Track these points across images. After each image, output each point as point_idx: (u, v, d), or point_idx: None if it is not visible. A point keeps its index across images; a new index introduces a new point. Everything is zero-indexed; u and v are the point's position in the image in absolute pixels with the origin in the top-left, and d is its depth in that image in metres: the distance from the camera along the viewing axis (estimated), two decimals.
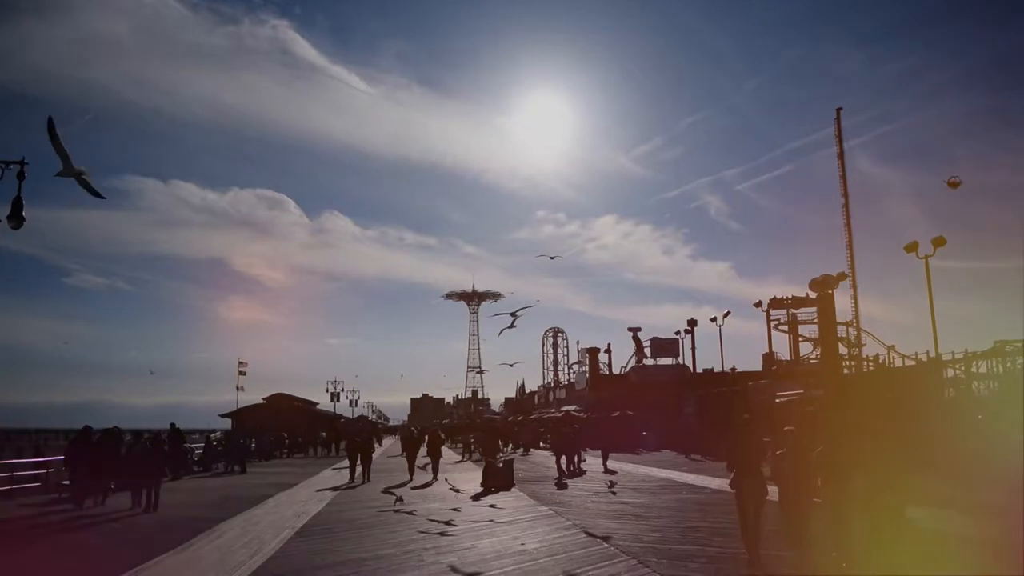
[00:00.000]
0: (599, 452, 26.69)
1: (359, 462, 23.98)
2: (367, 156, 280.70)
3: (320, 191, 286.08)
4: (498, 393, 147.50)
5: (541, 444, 43.00)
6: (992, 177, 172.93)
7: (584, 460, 24.80)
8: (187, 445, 29.39)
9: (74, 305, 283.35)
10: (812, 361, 64.10)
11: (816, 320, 65.02)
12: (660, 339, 56.41)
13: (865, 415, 16.19)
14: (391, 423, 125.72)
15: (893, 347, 52.50)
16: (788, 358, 65.18)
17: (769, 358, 63.73)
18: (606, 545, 10.32)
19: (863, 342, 63.27)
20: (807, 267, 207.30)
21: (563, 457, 24.02)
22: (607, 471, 24.04)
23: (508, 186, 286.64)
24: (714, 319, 42.19)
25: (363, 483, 22.71)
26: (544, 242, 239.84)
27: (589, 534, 11.45)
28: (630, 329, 55.89)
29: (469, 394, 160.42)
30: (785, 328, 67.12)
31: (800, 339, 66.87)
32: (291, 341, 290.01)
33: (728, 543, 10.34)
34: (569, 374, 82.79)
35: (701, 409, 35.63)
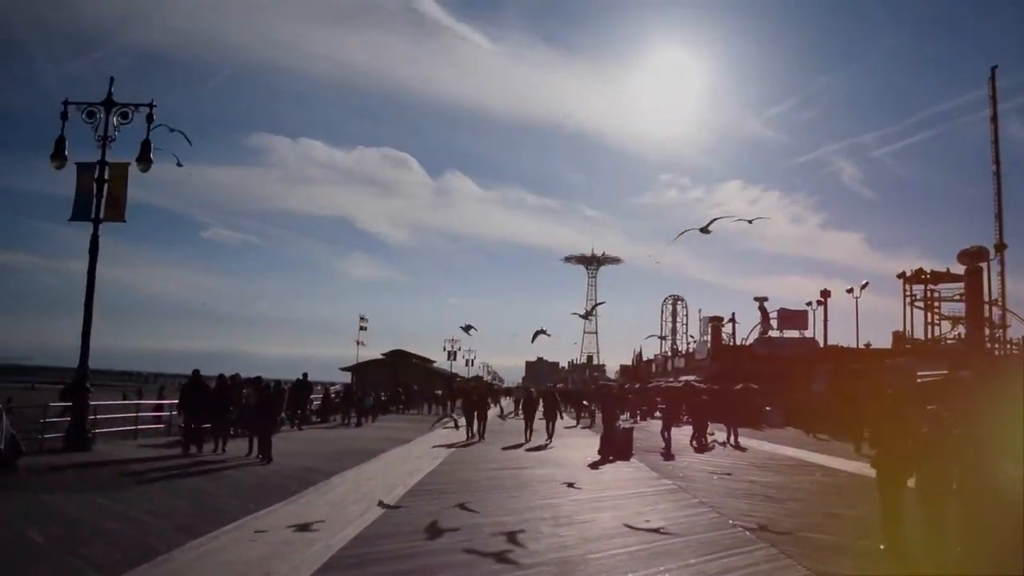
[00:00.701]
0: (722, 426, 25.41)
1: (475, 420, 24.21)
2: (489, 116, 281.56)
3: (443, 151, 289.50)
4: (613, 361, 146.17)
5: (657, 414, 41.95)
6: None
7: (713, 434, 23.64)
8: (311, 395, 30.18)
9: (208, 258, 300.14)
10: (949, 341, 59.77)
11: (957, 297, 61.01)
12: (788, 310, 53.70)
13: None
14: (506, 384, 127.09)
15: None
16: (922, 337, 60.92)
17: (901, 336, 59.72)
18: (740, 528, 9.39)
19: (1008, 323, 58.38)
20: (946, 241, 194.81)
21: (670, 429, 22.89)
22: (737, 447, 22.84)
23: (631, 148, 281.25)
24: (850, 290, 39.66)
25: (478, 441, 22.65)
26: (668, 207, 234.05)
27: (720, 513, 10.55)
28: (756, 299, 53.70)
29: (584, 359, 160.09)
30: (921, 305, 62.69)
31: (938, 317, 62.41)
32: (412, 299, 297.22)
33: (876, 534, 9.23)
34: (688, 343, 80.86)
35: (832, 386, 33.57)
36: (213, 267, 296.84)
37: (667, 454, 19.94)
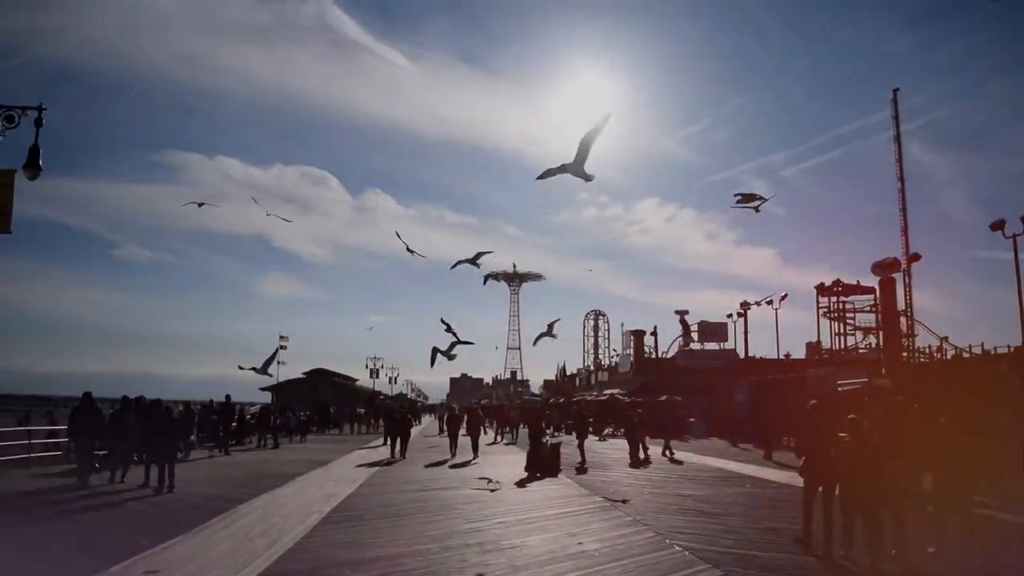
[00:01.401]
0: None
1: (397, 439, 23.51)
2: (409, 135, 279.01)
3: (362, 169, 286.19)
4: (537, 376, 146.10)
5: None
6: None
7: (648, 448, 23.28)
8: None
9: (121, 277, 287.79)
10: (861, 351, 61.66)
11: (868, 308, 63.17)
12: (708, 323, 54.41)
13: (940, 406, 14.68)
14: (429, 401, 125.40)
15: (946, 338, 49.94)
16: (833, 347, 62.58)
17: (814, 347, 61.18)
18: (679, 548, 8.83)
19: (916, 333, 60.59)
20: (855, 255, 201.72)
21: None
22: (672, 460, 22.52)
23: (550, 164, 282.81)
24: (770, 302, 40.19)
25: (400, 460, 21.81)
26: (587, 225, 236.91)
27: (656, 532, 9.99)
28: (677, 312, 54.22)
29: (508, 375, 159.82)
30: (834, 315, 64.59)
31: (850, 327, 64.37)
32: (332, 317, 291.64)
33: (820, 551, 8.81)
34: (612, 357, 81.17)
35: (754, 396, 33.87)
36: (126, 286, 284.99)
37: (583, 469, 19.42)
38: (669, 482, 16.73)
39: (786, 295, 40.84)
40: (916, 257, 24.47)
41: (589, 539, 9.45)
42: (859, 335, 64.19)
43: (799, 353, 58.84)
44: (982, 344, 34.43)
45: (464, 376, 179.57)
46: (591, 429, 42.60)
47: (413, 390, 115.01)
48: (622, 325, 68.06)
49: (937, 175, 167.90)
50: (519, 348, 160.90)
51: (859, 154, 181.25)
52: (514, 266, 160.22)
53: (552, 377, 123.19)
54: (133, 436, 15.03)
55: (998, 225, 21.43)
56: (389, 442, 23.90)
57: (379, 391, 65.83)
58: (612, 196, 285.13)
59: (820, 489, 9.04)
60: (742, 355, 48.69)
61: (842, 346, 63.48)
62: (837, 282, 59.78)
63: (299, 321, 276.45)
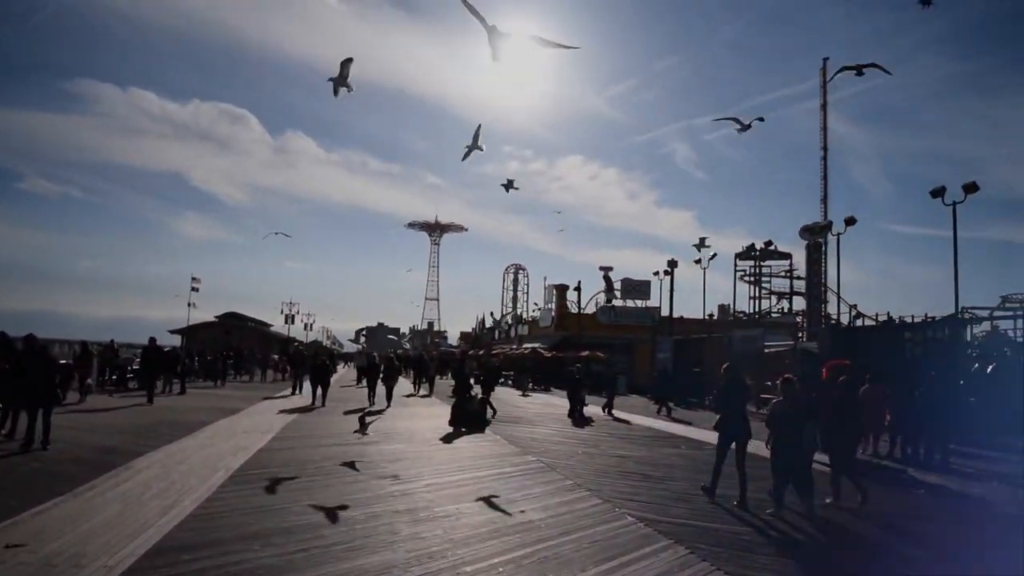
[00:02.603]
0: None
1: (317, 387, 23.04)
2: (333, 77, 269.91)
3: (284, 110, 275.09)
4: (455, 327, 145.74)
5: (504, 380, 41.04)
6: (957, 145, 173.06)
7: (587, 405, 22.71)
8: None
9: (27, 211, 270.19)
10: (774, 315, 63.04)
11: (782, 273, 64.64)
12: (632, 280, 54.36)
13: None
14: (344, 350, 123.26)
15: (855, 307, 51.23)
16: (748, 310, 63.74)
17: (727, 308, 62.12)
18: (631, 519, 8.00)
19: (826, 299, 62.16)
20: (769, 221, 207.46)
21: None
22: (614, 418, 22.03)
23: (475, 117, 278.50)
24: (698, 261, 40.07)
25: (318, 408, 20.75)
26: (508, 178, 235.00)
27: (601, 498, 9.17)
28: (601, 268, 53.90)
29: (425, 325, 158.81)
30: (750, 279, 65.75)
31: (765, 292, 65.65)
32: (248, 261, 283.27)
33: (790, 524, 8.16)
34: (533, 310, 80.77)
35: (678, 354, 33.75)
36: (31, 221, 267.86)
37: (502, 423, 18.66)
38: (602, 441, 16.04)
39: (715, 254, 40.83)
40: (853, 220, 24.41)
41: (531, 506, 8.54)
42: (773, 299, 65.75)
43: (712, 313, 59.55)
44: (887, 313, 35.27)
45: (380, 325, 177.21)
46: (511, 382, 42.17)
47: (328, 338, 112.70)
48: (544, 279, 67.56)
49: (853, 148, 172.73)
50: (437, 299, 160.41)
51: (781, 122, 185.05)
52: (436, 217, 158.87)
53: (469, 329, 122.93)
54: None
55: (938, 192, 21.37)
56: (309, 389, 23.21)
57: (294, 338, 63.79)
58: (536, 151, 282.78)
59: (733, 445, 9.44)
60: (670, 313, 48.75)
61: (756, 309, 64.80)
62: (751, 247, 60.60)
63: (215, 264, 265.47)
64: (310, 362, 26.57)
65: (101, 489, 8.42)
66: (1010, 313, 39.94)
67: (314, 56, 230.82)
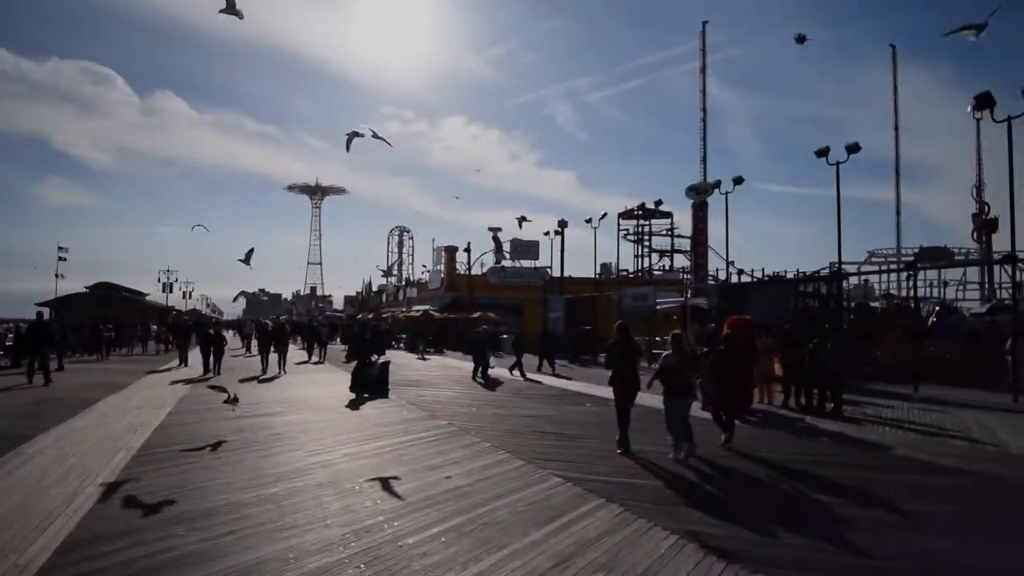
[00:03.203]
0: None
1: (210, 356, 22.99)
2: (204, 33, 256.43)
3: (152, 69, 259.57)
4: (339, 292, 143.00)
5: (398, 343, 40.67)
6: (827, 110, 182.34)
7: (493, 367, 22.76)
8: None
9: None
10: (656, 272, 65.22)
11: (663, 232, 66.85)
12: (521, 240, 54.60)
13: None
14: (225, 317, 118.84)
15: (732, 263, 53.62)
16: (632, 268, 65.58)
17: (608, 267, 63.79)
18: (558, 480, 8.03)
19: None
20: (648, 182, 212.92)
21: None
22: (525, 378, 22.13)
23: (354, 77, 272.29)
24: (589, 220, 40.58)
25: (212, 378, 20.05)
26: (390, 139, 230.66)
27: (521, 459, 9.18)
28: (490, 229, 53.65)
29: (308, 291, 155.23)
30: (633, 238, 67.59)
31: (647, 250, 67.72)
32: (118, 228, 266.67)
33: (703, 475, 8.42)
34: (422, 272, 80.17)
35: (570, 313, 34.28)
36: None
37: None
38: (508, 401, 16.13)
39: (605, 214, 41.46)
40: (740, 180, 25.31)
41: (455, 471, 8.44)
42: (655, 257, 67.90)
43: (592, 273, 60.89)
44: (762, 269, 37.17)
45: (261, 291, 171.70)
46: (402, 345, 41.84)
47: (208, 306, 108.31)
48: (433, 241, 66.99)
49: (726, 110, 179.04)
50: (320, 263, 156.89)
51: (660, 85, 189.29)
52: (316, 179, 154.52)
53: (353, 293, 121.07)
54: None
55: (823, 152, 22.38)
56: (197, 360, 22.26)
57: (173, 307, 60.81)
58: (417, 112, 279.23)
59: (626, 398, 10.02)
60: (560, 273, 49.40)
61: (640, 268, 66.77)
62: (641, 206, 62.17)
63: (82, 232, 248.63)
64: (199, 331, 25.71)
65: None
66: (875, 268, 42.78)
67: (187, 12, 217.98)
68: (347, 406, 14.93)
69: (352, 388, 17.75)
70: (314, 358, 30.89)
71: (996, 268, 40.44)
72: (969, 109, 20.01)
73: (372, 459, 9.22)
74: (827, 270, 29.06)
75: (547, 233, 42.09)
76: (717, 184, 27.00)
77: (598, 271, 50.89)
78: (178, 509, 6.54)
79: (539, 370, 24.20)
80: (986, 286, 45.40)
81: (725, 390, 10.80)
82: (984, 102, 18.32)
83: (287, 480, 7.86)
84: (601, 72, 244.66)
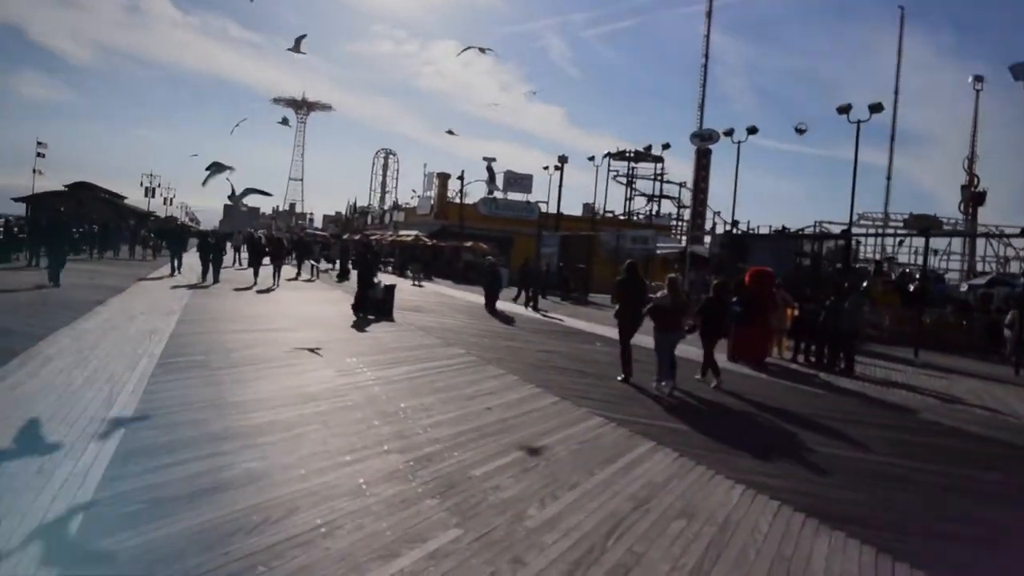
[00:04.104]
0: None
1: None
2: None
3: None
4: (319, 211, 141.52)
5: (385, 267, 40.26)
6: (822, 68, 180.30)
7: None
8: None
9: None
10: (642, 216, 65.09)
11: (651, 176, 66.52)
12: (515, 173, 53.91)
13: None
14: (200, 226, 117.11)
15: (719, 213, 53.50)
16: (619, 211, 65.32)
17: (592, 206, 63.40)
18: (599, 418, 7.88)
19: (687, 204, 64.84)
20: (640, 125, 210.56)
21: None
22: (538, 311, 22.16)
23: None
24: (592, 158, 40.05)
25: (210, 285, 20.83)
26: (380, 59, 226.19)
27: (554, 393, 9.01)
28: (485, 158, 52.77)
29: (287, 207, 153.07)
30: (623, 180, 67.18)
31: (636, 193, 67.44)
32: (96, 127, 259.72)
33: (748, 429, 8.33)
34: (403, 197, 79.11)
35: (564, 250, 34.03)
36: None
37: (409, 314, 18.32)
38: (517, 335, 15.96)
39: (609, 152, 41.05)
40: (754, 130, 24.77)
41: (494, 403, 8.24)
42: (642, 201, 67.62)
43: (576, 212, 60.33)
44: (748, 221, 37.08)
45: (240, 204, 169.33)
46: (390, 269, 41.44)
47: (187, 214, 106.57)
48: (424, 166, 66.22)
49: (720, 58, 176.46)
50: (301, 180, 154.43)
51: (658, 26, 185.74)
52: (303, 94, 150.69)
53: (333, 213, 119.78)
54: None
55: (844, 109, 21.98)
56: (190, 268, 22.10)
57: (153, 212, 59.62)
58: (410, 32, 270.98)
59: (630, 332, 10.64)
60: (557, 208, 48.95)
61: (627, 210, 66.53)
62: (637, 150, 61.51)
63: (57, 129, 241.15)
64: (201, 239, 25.72)
65: (19, 377, 7.36)
66: (867, 230, 42.85)
67: None
68: (353, 326, 14.67)
69: (355, 307, 17.49)
70: (304, 275, 30.50)
71: (981, 242, 40.95)
72: (971, 79, 19.73)
73: (404, 383, 9.00)
74: (812, 228, 29.10)
75: (546, 168, 41.51)
76: (730, 132, 26.51)
77: (597, 211, 50.44)
78: (222, 424, 6.26)
79: (515, 300, 23.98)
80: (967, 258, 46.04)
81: (707, 336, 11.27)
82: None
83: (325, 400, 7.62)
84: (598, 7, 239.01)
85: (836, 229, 43.39)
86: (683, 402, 9.41)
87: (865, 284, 19.00)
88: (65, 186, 50.23)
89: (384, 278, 26.57)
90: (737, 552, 4.45)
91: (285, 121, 17.28)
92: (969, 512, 5.86)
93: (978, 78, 60.07)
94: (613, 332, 12.22)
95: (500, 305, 21.89)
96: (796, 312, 15.35)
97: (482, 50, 15.33)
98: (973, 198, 54.13)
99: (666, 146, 50.21)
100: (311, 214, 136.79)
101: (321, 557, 3.81)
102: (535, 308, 23.10)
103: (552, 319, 20.69)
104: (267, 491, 4.70)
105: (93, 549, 3.67)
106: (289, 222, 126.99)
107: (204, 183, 23.25)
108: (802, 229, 29.13)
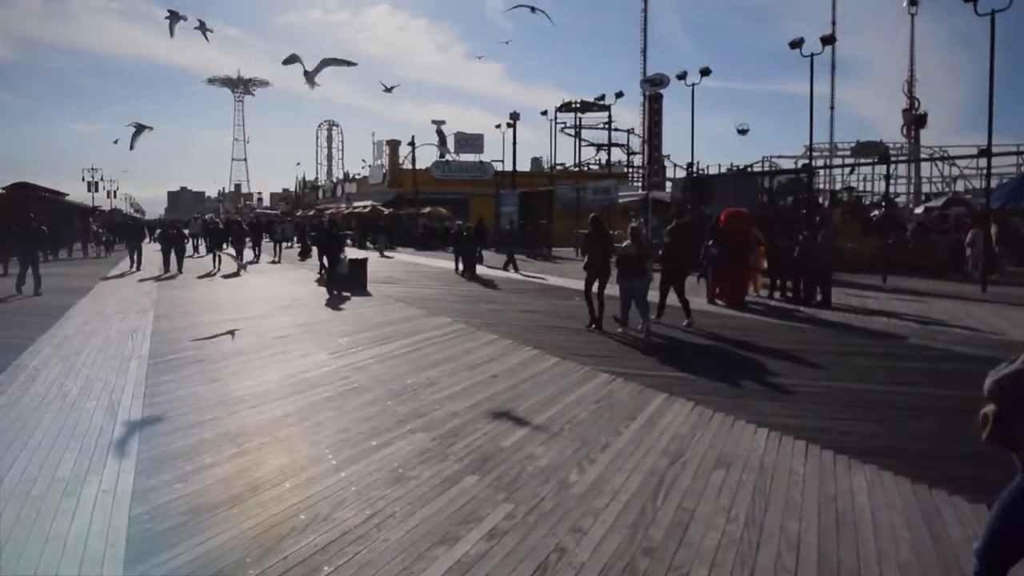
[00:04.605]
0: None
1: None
2: None
3: None
4: (266, 189, 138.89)
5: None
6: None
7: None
8: None
9: None
10: (593, 166, 65.15)
11: (599, 126, 66.42)
12: (465, 134, 53.28)
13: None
14: (147, 217, 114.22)
15: (668, 156, 53.83)
16: (568, 162, 65.27)
17: (540, 161, 63.24)
18: (606, 375, 7.89)
19: (636, 151, 65.15)
20: (581, 75, 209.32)
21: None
22: (519, 272, 22.11)
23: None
24: (544, 112, 39.66)
25: (176, 274, 20.96)
26: (313, 29, 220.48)
27: (553, 355, 8.98)
28: (434, 122, 51.88)
29: (232, 188, 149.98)
30: (571, 132, 66.98)
31: (585, 143, 67.33)
32: (26, 126, 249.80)
33: (751, 370, 8.40)
34: (350, 168, 78.02)
35: (524, 207, 33.86)
36: None
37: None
38: (496, 297, 15.92)
39: (574, 104, 40.56)
40: (707, 71, 24.62)
41: (497, 369, 8.21)
42: (592, 151, 67.56)
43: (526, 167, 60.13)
44: (698, 162, 37.38)
45: (184, 189, 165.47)
46: (349, 242, 40.89)
47: (132, 205, 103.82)
48: (373, 135, 65.14)
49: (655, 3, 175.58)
50: (245, 160, 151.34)
51: None
52: (238, 71, 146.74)
53: (280, 190, 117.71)
54: None
55: (796, 43, 21.94)
56: (148, 262, 21.64)
57: (98, 207, 57.76)
58: (340, 1, 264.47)
59: (596, 282, 11.08)
60: (513, 167, 48.62)
61: (577, 161, 66.45)
62: (584, 101, 61.10)
63: None
64: (161, 231, 25.81)
65: (12, 394, 7.08)
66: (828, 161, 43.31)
67: None
68: (330, 305, 14.46)
69: (324, 284, 17.27)
70: (267, 257, 29.97)
71: (927, 164, 41.83)
72: (904, 3, 19.84)
73: (401, 359, 8.90)
74: (761, 164, 29.48)
75: (498, 126, 41.08)
76: (683, 75, 26.41)
77: (553, 166, 50.24)
78: (235, 422, 6.10)
79: (505, 269, 23.91)
80: (913, 181, 46.97)
81: (670, 276, 11.86)
82: None
83: (330, 385, 7.47)
84: None
85: (785, 163, 44.14)
86: (676, 348, 9.48)
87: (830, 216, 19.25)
88: (3, 188, 48.25)
89: (350, 252, 26.31)
90: (783, 497, 4.47)
91: (202, 25, 16.21)
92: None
93: (912, 1, 61.09)
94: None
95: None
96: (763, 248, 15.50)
97: (533, 10, 15.07)
98: (915, 121, 55.18)
99: (619, 94, 49.60)
100: (259, 194, 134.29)
101: (382, 550, 3.72)
102: (515, 269, 22.82)
103: (526, 277, 20.65)
104: (306, 487, 4.58)
105: (150, 572, 3.53)
106: (236, 204, 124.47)
107: (131, 147, 22.83)
108: (750, 165, 29.46)
